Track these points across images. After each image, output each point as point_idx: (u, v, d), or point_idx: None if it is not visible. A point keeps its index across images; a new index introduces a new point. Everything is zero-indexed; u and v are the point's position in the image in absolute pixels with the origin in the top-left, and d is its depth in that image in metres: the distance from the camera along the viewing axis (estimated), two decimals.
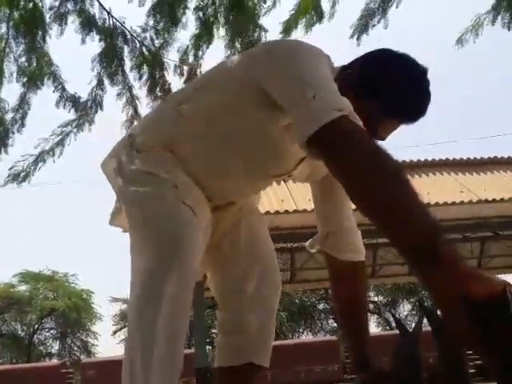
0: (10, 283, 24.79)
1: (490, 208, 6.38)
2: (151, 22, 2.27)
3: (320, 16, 2.36)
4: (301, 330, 25.41)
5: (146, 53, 2.23)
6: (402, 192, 0.73)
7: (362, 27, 2.32)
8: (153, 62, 2.24)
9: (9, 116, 2.18)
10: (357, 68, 0.98)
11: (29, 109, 2.24)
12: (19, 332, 25.50)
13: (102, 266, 38.38)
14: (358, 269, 1.17)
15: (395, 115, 0.97)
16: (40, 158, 2.25)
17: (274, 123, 0.95)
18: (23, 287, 25.25)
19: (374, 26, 2.29)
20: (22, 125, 2.21)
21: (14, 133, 2.18)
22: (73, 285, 25.51)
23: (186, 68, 2.32)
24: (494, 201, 6.28)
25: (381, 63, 0.98)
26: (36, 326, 25.14)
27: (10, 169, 2.21)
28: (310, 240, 1.22)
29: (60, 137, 2.27)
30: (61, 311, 23.88)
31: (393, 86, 0.94)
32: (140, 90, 2.44)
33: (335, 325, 26.20)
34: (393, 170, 0.75)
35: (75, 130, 2.28)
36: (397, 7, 2.25)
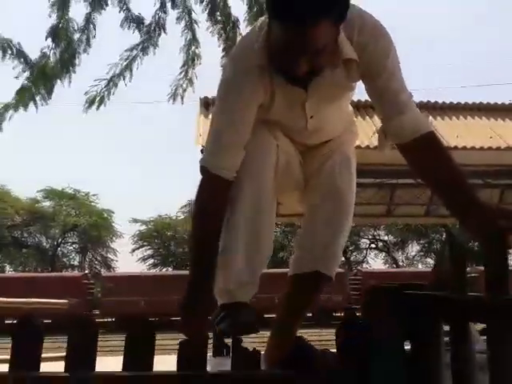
0: (35, 198, 25.89)
1: None
2: None
3: None
4: None
5: None
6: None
7: None
8: None
9: (76, 37, 2.26)
10: None
11: (94, 29, 2.32)
12: (44, 244, 26.97)
13: (124, 187, 39.51)
14: (427, 139, 1.13)
15: (288, 18, 0.96)
16: (112, 83, 2.35)
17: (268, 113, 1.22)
18: (47, 203, 26.35)
19: None
20: (88, 45, 2.31)
21: (80, 53, 2.28)
22: (94, 204, 26.55)
23: None
24: None
25: None
26: (59, 239, 26.53)
27: (85, 93, 2.32)
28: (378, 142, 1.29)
29: (128, 61, 2.35)
30: (82, 227, 25.02)
31: None
32: (201, 15, 2.44)
33: (342, 258, 27.23)
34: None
35: (141, 54, 2.36)
36: None
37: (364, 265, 27.07)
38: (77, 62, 2.25)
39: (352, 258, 27.73)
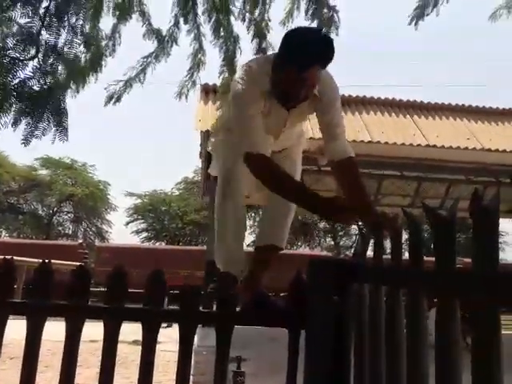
0: (32, 166, 26.17)
1: (492, 156, 6.85)
2: None
3: None
4: (299, 244, 27.16)
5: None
6: None
7: (419, 15, 2.77)
8: (220, 8, 2.70)
9: (103, 43, 2.72)
10: (279, 50, 1.63)
11: (119, 37, 2.77)
12: (40, 212, 27.34)
13: (121, 160, 39.77)
14: (348, 161, 1.76)
15: (304, 66, 1.54)
16: (128, 84, 2.82)
17: (265, 120, 1.72)
18: (44, 172, 26.62)
19: (428, 14, 2.72)
20: (114, 50, 2.76)
21: (106, 56, 2.74)
22: (90, 175, 26.90)
23: (247, 15, 2.79)
24: (496, 151, 6.75)
25: (286, 38, 1.61)
26: (55, 208, 26.94)
27: (104, 88, 2.82)
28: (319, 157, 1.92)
29: (143, 66, 2.82)
30: (78, 197, 25.31)
31: (293, 48, 1.57)
32: (207, 30, 2.89)
33: (332, 243, 27.97)
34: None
35: (154, 61, 2.84)
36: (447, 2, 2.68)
37: (352, 250, 27.77)
38: (103, 63, 2.72)
39: (341, 243, 28.52)
